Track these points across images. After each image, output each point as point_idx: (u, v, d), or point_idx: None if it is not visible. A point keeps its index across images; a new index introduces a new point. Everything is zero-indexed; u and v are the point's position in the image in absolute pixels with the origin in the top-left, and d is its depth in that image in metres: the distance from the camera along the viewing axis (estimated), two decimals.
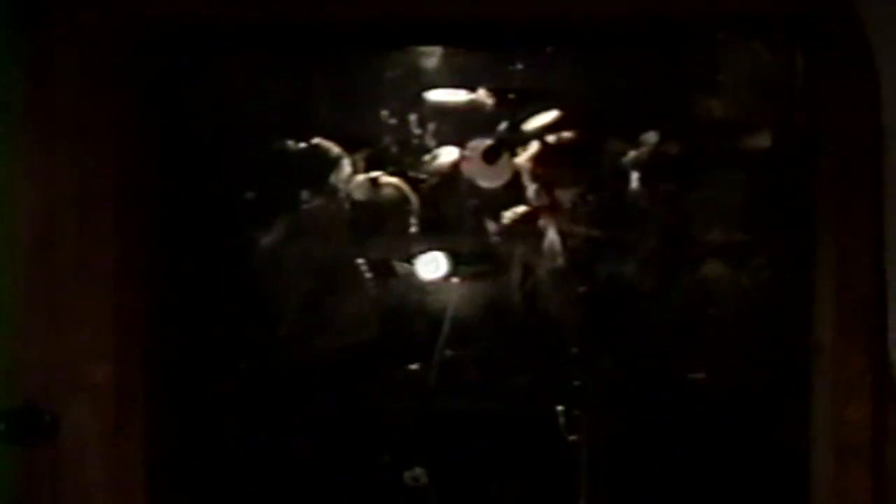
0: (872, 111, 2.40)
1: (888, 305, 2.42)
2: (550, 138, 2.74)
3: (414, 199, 2.75)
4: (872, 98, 2.38)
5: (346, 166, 2.76)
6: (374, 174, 2.76)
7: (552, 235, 2.75)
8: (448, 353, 2.77)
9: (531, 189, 2.74)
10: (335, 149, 2.76)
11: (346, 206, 2.77)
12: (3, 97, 2.46)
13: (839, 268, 2.54)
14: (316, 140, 2.76)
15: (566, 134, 2.75)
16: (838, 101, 2.52)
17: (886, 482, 2.51)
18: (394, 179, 2.76)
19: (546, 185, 2.76)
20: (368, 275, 2.77)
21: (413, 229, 2.77)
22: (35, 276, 2.49)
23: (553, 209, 2.75)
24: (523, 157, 2.74)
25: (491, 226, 2.78)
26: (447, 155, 2.76)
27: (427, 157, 2.77)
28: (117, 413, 2.52)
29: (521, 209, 2.75)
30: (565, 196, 2.76)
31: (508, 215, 2.76)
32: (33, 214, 2.49)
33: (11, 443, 2.46)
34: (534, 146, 2.74)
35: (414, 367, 2.78)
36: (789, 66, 2.69)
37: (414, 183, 2.76)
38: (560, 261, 2.75)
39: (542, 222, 2.75)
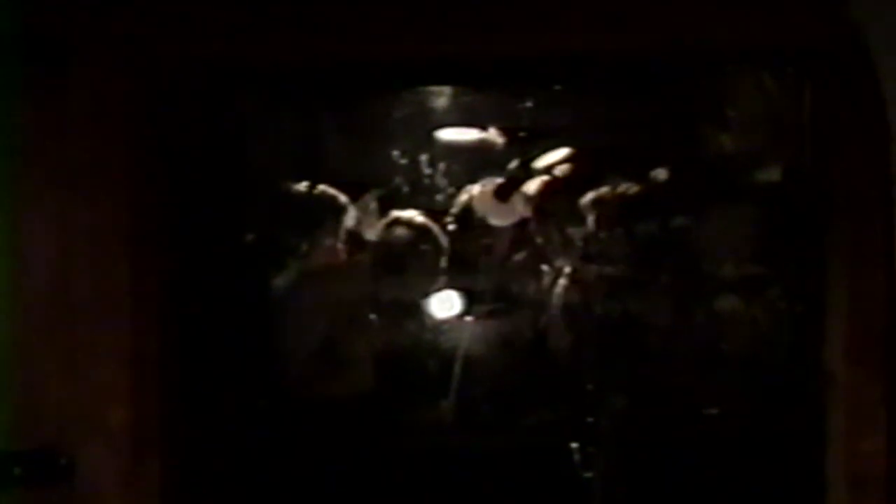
0: (882, 143, 2.40)
1: None
2: (559, 174, 2.75)
3: (442, 237, 2.76)
4: (882, 131, 2.39)
5: (358, 207, 2.77)
6: (400, 214, 2.77)
7: (564, 272, 2.76)
8: (462, 390, 2.77)
9: (539, 226, 2.76)
10: (345, 194, 2.78)
11: (360, 246, 2.78)
12: (13, 140, 2.47)
13: (851, 299, 2.53)
14: (328, 183, 2.78)
15: (576, 171, 2.76)
16: (848, 133, 2.53)
17: None
18: (419, 218, 2.77)
19: (556, 223, 2.77)
20: (385, 314, 2.79)
21: (432, 268, 2.78)
22: (50, 319, 2.49)
23: (564, 247, 2.76)
24: (532, 191, 2.75)
25: (504, 264, 2.79)
26: (461, 193, 2.78)
27: (440, 197, 2.78)
28: (133, 455, 2.51)
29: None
30: (576, 233, 2.77)
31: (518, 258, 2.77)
32: (47, 257, 2.50)
33: (27, 486, 2.46)
34: (540, 180, 2.76)
35: (429, 404, 2.78)
36: (798, 99, 2.70)
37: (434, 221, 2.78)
38: (573, 298, 2.76)
39: (553, 259, 2.76)
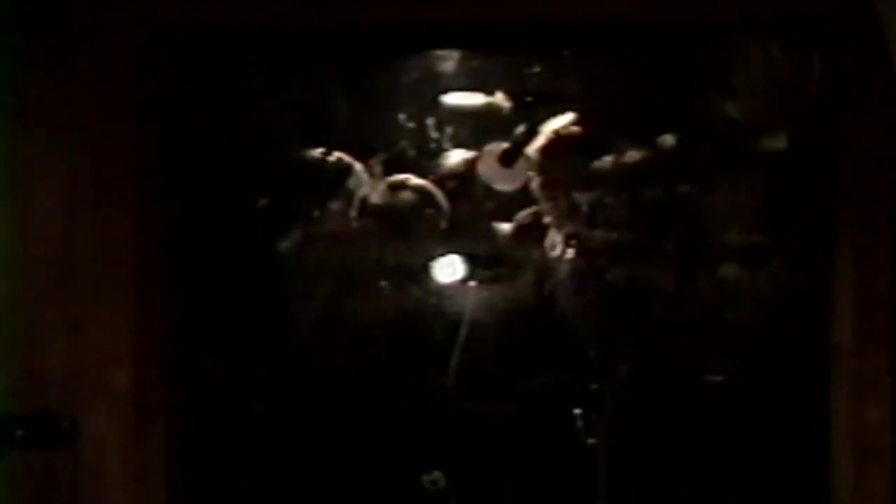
0: (889, 111, 2.40)
1: None
2: (563, 133, 2.75)
3: (444, 201, 2.75)
4: (891, 100, 2.38)
5: (364, 171, 2.76)
6: (398, 177, 2.76)
7: (568, 238, 2.75)
8: (465, 356, 2.76)
9: (541, 190, 2.75)
10: (352, 155, 2.77)
11: (366, 211, 2.77)
12: (17, 100, 2.46)
13: (857, 269, 2.53)
14: (334, 148, 2.77)
15: (581, 135, 2.75)
16: (855, 101, 2.52)
17: None
18: (420, 182, 2.76)
19: (562, 188, 2.76)
20: (387, 279, 2.78)
21: (435, 233, 2.77)
22: (53, 281, 2.49)
23: (570, 212, 2.75)
24: (534, 151, 2.74)
25: (507, 229, 2.78)
26: (460, 157, 2.76)
27: (441, 160, 2.77)
28: (137, 418, 2.52)
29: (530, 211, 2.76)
30: (582, 199, 2.76)
31: (519, 217, 2.76)
32: (51, 219, 2.49)
33: (31, 448, 2.46)
34: (543, 139, 2.75)
35: (431, 370, 2.78)
36: (806, 67, 2.69)
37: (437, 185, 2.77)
38: (577, 264, 2.75)
39: (557, 224, 2.75)
